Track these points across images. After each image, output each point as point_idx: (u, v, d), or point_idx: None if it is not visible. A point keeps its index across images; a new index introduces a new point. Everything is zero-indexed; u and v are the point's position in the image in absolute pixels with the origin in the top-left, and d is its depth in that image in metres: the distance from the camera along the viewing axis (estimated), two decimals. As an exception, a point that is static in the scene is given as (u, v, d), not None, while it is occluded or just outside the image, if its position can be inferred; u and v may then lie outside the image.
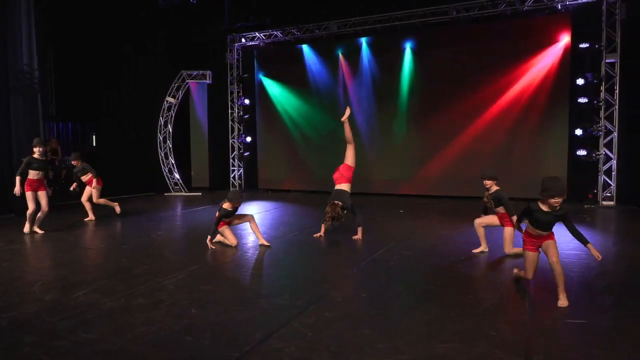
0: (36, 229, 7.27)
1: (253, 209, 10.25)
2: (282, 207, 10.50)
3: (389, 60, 12.10)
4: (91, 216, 8.63)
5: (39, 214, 7.26)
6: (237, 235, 7.06)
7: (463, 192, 11.39)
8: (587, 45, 9.94)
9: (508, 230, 5.75)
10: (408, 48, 11.84)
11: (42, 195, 7.24)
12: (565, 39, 10.27)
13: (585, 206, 9.92)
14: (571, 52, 10.25)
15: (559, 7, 10.21)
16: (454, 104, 11.48)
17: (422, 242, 6.56)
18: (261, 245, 6.22)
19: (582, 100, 10.09)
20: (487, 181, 5.80)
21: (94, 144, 14.60)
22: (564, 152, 10.49)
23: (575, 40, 10.17)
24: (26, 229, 7.21)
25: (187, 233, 7.55)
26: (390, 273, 4.93)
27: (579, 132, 10.11)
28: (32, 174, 7.20)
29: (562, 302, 3.89)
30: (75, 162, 8.96)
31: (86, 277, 4.89)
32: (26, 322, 3.65)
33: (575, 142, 10.33)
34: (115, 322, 3.62)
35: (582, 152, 10.17)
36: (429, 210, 9.85)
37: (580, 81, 9.96)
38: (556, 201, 3.86)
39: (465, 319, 3.61)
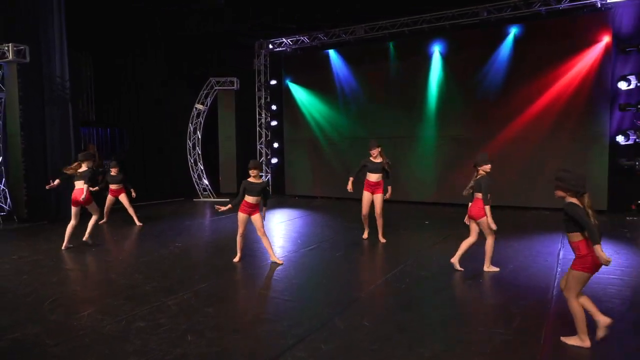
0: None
1: (278, 217, 10.21)
2: (305, 216, 10.39)
3: (417, 65, 11.74)
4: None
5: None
6: (253, 249, 6.99)
7: (495, 201, 10.89)
8: (630, 45, 9.26)
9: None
10: (437, 51, 11.45)
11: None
12: (605, 39, 9.60)
13: (628, 218, 9.25)
14: (613, 53, 9.58)
15: (599, 5, 9.56)
16: (485, 108, 11.01)
17: (441, 259, 6.25)
18: (273, 263, 6.11)
19: (625, 104, 9.41)
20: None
21: (128, 149, 14.94)
22: (604, 160, 9.83)
23: (617, 41, 9.50)
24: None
25: (205, 245, 7.55)
26: (400, 298, 4.70)
27: (620, 138, 9.44)
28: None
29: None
30: (114, 170, 9.34)
31: (96, 294, 4.95)
32: (26, 346, 3.69)
33: (617, 149, 9.65)
34: (109, 349, 3.60)
35: (624, 160, 9.49)
36: (457, 221, 9.36)
37: (622, 84, 9.29)
38: (556, 193, 3.55)
39: (471, 359, 3.35)
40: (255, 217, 6.06)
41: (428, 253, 6.68)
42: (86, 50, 15.35)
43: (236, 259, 6.18)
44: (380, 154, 7.26)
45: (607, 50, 9.61)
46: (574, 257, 3.58)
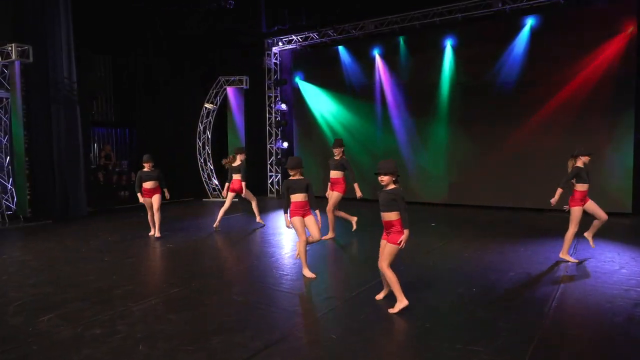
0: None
1: (282, 218, 9.97)
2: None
3: (428, 59, 11.27)
4: (156, 232, 7.84)
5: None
6: (238, 253, 6.73)
7: (510, 203, 10.35)
8: (657, 34, 8.56)
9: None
10: (449, 45, 10.94)
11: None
12: (630, 29, 8.92)
13: (654, 222, 8.55)
14: (637, 43, 8.88)
15: (623, -8, 8.89)
16: (500, 105, 10.45)
17: (437, 265, 5.84)
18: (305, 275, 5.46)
19: (652, 98, 8.72)
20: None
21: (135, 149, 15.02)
22: (628, 159, 9.14)
23: (642, 30, 8.82)
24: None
25: (197, 247, 7.29)
26: (379, 307, 4.33)
27: (647, 135, 8.74)
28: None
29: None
30: (147, 165, 7.78)
31: (66, 297, 4.77)
32: (-29, 352, 3.53)
33: (643, 148, 8.96)
34: (54, 358, 3.39)
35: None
36: (466, 223, 8.97)
37: (648, 77, 8.60)
38: (381, 179, 4.15)
39: (437, 380, 2.98)
40: (309, 220, 5.35)
41: (425, 258, 6.25)
42: (104, 51, 15.61)
43: (310, 274, 5.35)
44: (343, 152, 7.54)
45: (632, 41, 8.93)
46: (390, 233, 4.16)
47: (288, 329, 3.85)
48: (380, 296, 4.55)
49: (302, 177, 5.37)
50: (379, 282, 5.07)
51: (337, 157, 7.50)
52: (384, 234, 4.24)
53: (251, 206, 9.02)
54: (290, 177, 5.39)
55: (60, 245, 7.36)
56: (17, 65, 9.13)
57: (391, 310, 4.12)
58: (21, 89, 9.24)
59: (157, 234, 7.83)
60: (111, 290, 4.95)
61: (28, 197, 9.38)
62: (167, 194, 7.94)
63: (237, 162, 8.48)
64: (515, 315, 4.11)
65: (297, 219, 5.30)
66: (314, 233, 5.33)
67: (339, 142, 7.57)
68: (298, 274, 5.50)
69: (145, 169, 7.82)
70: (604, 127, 9.34)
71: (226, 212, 8.57)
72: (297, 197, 5.31)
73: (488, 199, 10.64)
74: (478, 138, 10.76)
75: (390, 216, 4.14)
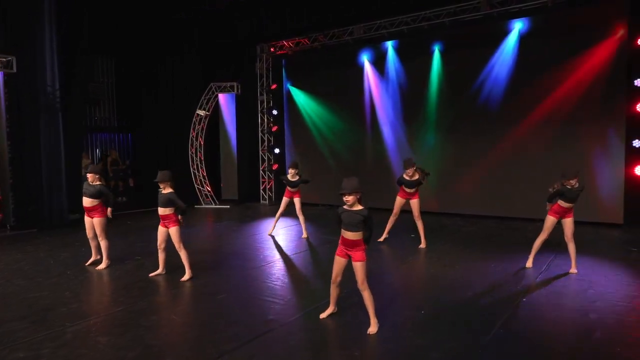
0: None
1: (264, 227, 9.89)
2: (294, 226, 9.95)
3: (416, 65, 11.02)
4: (101, 258, 6.66)
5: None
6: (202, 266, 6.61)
7: (499, 212, 10.05)
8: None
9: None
10: (437, 51, 10.68)
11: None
12: (621, 33, 8.55)
13: (646, 234, 8.16)
14: (629, 47, 8.50)
15: (612, -6, 8.52)
16: (488, 112, 10.15)
17: (397, 283, 5.66)
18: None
19: (643, 105, 8.34)
20: None
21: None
22: (619, 168, 8.76)
23: (633, 34, 8.44)
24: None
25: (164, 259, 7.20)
26: (315, 333, 4.18)
27: (638, 143, 8.37)
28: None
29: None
30: (90, 177, 6.42)
31: (8, 314, 4.75)
32: None
33: (634, 156, 8.57)
34: (-37, 385, 3.35)
35: (642, 168, 8.42)
36: (448, 234, 8.72)
37: None
38: (346, 199, 4.10)
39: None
40: (170, 231, 5.99)
41: (388, 273, 6.06)
42: (109, 55, 15.79)
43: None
44: (416, 171, 7.56)
45: (623, 45, 8.55)
46: (356, 251, 4.14)
47: (211, 356, 3.74)
48: (324, 315, 4.49)
49: (167, 191, 5.85)
50: (327, 302, 4.91)
51: (413, 177, 7.60)
52: (342, 251, 4.23)
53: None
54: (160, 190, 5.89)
55: (32, 256, 7.37)
56: (0, 75, 9.24)
57: (370, 331, 4.09)
58: (5, 98, 9.34)
59: (105, 263, 6.54)
60: (56, 308, 4.91)
61: (12, 205, 9.47)
62: (108, 214, 6.53)
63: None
64: (453, 343, 3.91)
65: (159, 229, 6.01)
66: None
67: (410, 162, 7.51)
68: (244, 291, 5.39)
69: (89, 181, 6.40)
70: (594, 134, 8.98)
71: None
72: (159, 210, 5.91)
73: (477, 207, 10.36)
74: (466, 145, 10.48)
75: (356, 235, 4.13)
